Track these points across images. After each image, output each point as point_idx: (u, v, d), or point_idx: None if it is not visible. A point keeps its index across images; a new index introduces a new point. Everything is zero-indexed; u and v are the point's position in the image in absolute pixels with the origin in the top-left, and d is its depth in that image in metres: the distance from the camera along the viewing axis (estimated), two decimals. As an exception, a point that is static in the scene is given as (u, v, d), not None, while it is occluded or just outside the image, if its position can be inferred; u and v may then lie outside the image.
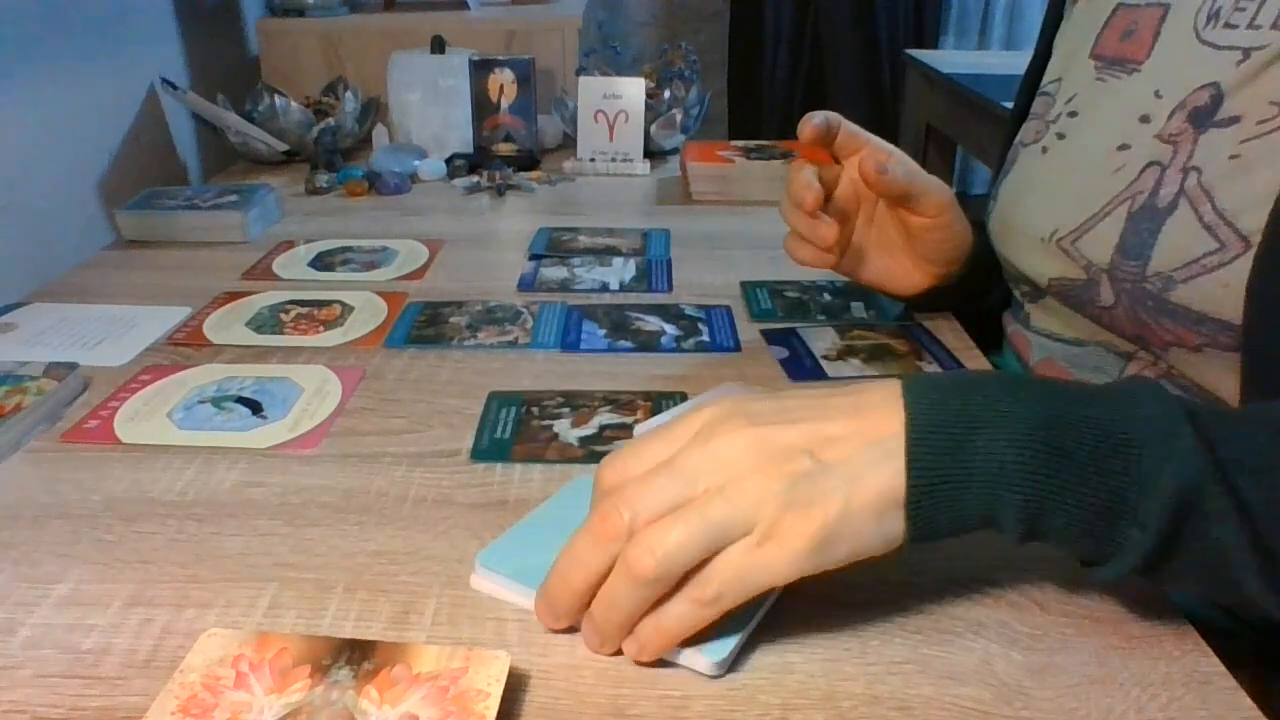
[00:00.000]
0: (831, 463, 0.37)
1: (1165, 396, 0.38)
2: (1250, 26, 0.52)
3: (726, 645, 0.39)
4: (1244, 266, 0.49)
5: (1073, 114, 0.64)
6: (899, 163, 0.63)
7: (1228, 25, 0.54)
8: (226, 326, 0.73)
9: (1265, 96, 0.50)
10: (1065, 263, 0.59)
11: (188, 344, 0.71)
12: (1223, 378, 0.53)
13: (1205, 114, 0.53)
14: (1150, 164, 0.55)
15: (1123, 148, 0.57)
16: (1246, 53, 0.52)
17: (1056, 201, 0.61)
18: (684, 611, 0.37)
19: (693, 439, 0.39)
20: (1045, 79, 0.70)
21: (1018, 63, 0.76)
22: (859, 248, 0.69)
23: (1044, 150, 0.65)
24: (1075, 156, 0.62)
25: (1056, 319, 0.65)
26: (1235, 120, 0.51)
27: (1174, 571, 0.37)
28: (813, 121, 0.61)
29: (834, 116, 0.62)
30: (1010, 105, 0.77)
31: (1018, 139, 0.71)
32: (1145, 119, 0.56)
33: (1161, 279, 0.53)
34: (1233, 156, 0.51)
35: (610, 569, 0.38)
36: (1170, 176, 0.53)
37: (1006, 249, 0.68)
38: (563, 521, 0.45)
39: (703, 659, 0.39)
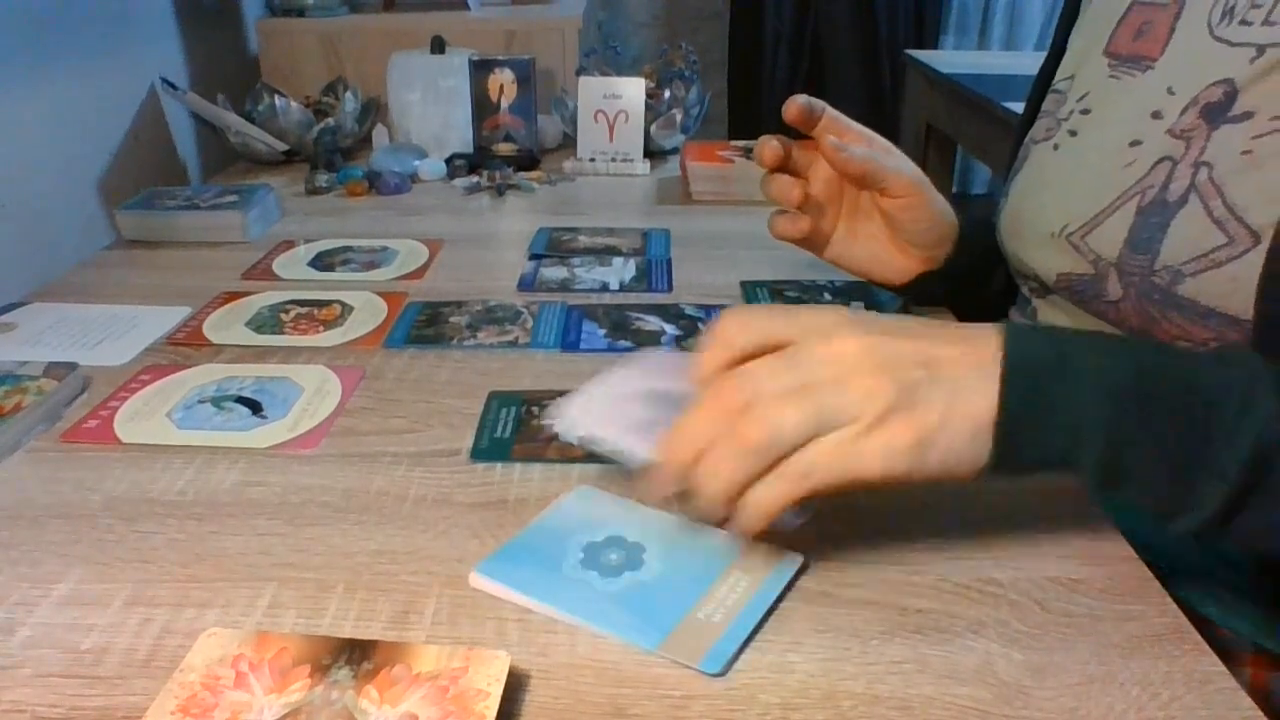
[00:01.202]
0: (939, 377, 0.39)
1: (1254, 361, 0.40)
2: (1265, 23, 0.52)
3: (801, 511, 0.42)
4: (1253, 261, 0.49)
5: (1085, 111, 0.64)
6: (863, 143, 0.64)
7: (1242, 22, 0.54)
8: (226, 326, 0.73)
9: (1279, 93, 0.50)
10: (1074, 258, 0.60)
11: (188, 344, 0.71)
12: None
13: (1218, 110, 0.53)
14: (1162, 159, 0.55)
15: (1134, 144, 0.57)
16: (1261, 49, 0.52)
17: (1067, 197, 0.61)
18: (779, 485, 0.39)
19: (815, 335, 0.41)
20: (1058, 76, 0.70)
21: (1018, 63, 0.76)
22: (844, 236, 0.69)
23: (1055, 147, 0.65)
24: (1087, 153, 0.62)
25: (1063, 315, 0.65)
26: (1248, 116, 0.51)
27: (1248, 527, 0.39)
28: (797, 101, 0.62)
29: (818, 102, 0.63)
30: (1010, 105, 0.76)
31: (1029, 136, 0.71)
32: (1158, 115, 0.57)
33: (1170, 272, 0.53)
34: (1244, 152, 0.51)
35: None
36: (1181, 171, 0.54)
37: (1015, 245, 0.68)
38: (562, 531, 0.45)
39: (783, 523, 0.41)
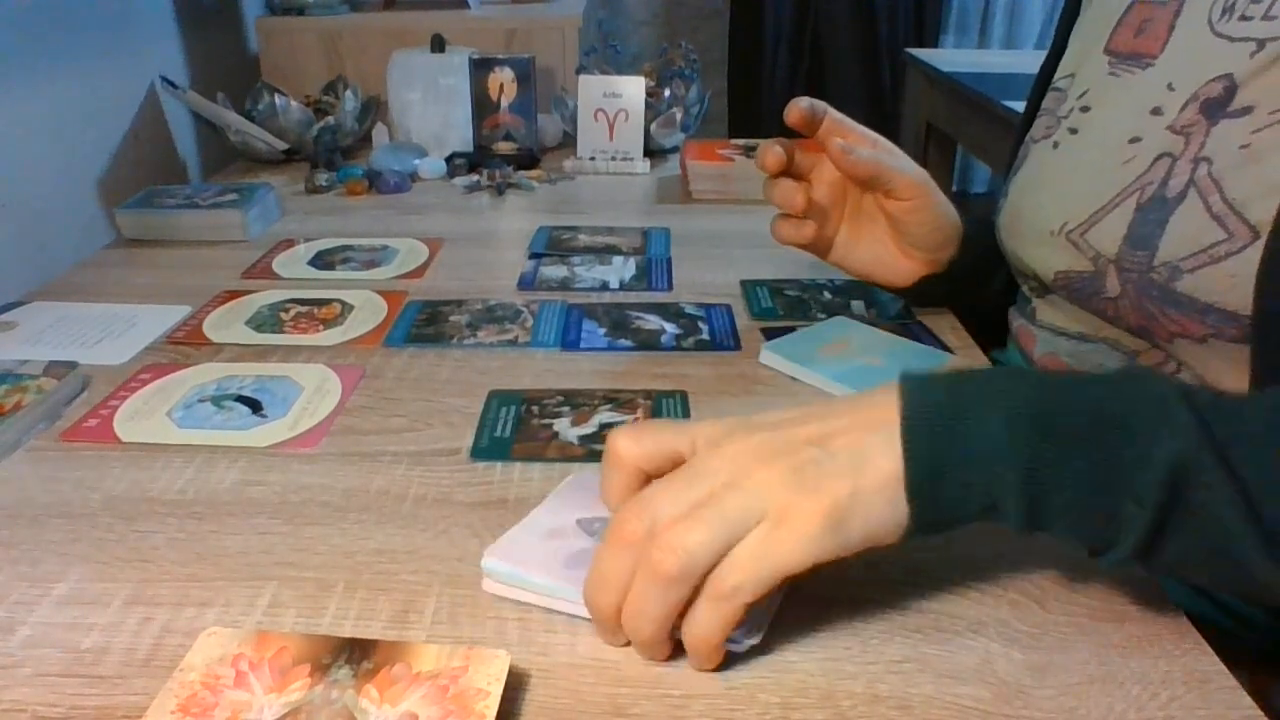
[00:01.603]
0: (837, 450, 0.38)
1: (1161, 378, 0.38)
2: (1265, 18, 0.52)
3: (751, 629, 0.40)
4: (1252, 257, 0.49)
5: (1085, 109, 0.64)
6: (868, 145, 0.64)
7: (1242, 17, 0.54)
8: (226, 325, 0.73)
9: (1279, 87, 0.50)
10: (1073, 255, 0.60)
11: (187, 343, 0.71)
12: (1228, 371, 0.53)
13: (1218, 105, 0.53)
14: (1161, 155, 0.55)
15: (1134, 140, 0.57)
16: (1261, 44, 0.52)
17: (1067, 195, 0.61)
18: (709, 611, 0.37)
19: (704, 445, 0.40)
20: (1058, 74, 0.70)
21: (1018, 62, 0.76)
22: (847, 239, 0.70)
23: (1055, 145, 0.65)
24: (1086, 150, 0.62)
25: (1062, 313, 0.65)
26: (1248, 111, 0.51)
27: (1177, 554, 0.37)
28: (799, 105, 0.62)
29: (820, 104, 0.63)
30: (1010, 104, 0.76)
31: (1029, 135, 0.71)
32: (1157, 111, 0.57)
33: (1168, 268, 0.53)
34: (1243, 146, 0.51)
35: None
36: (1181, 167, 0.54)
37: (1015, 244, 0.68)
38: (566, 516, 0.45)
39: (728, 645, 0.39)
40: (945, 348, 0.70)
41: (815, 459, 0.38)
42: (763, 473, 0.38)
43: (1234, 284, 0.50)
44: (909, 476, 0.37)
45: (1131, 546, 0.37)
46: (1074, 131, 0.64)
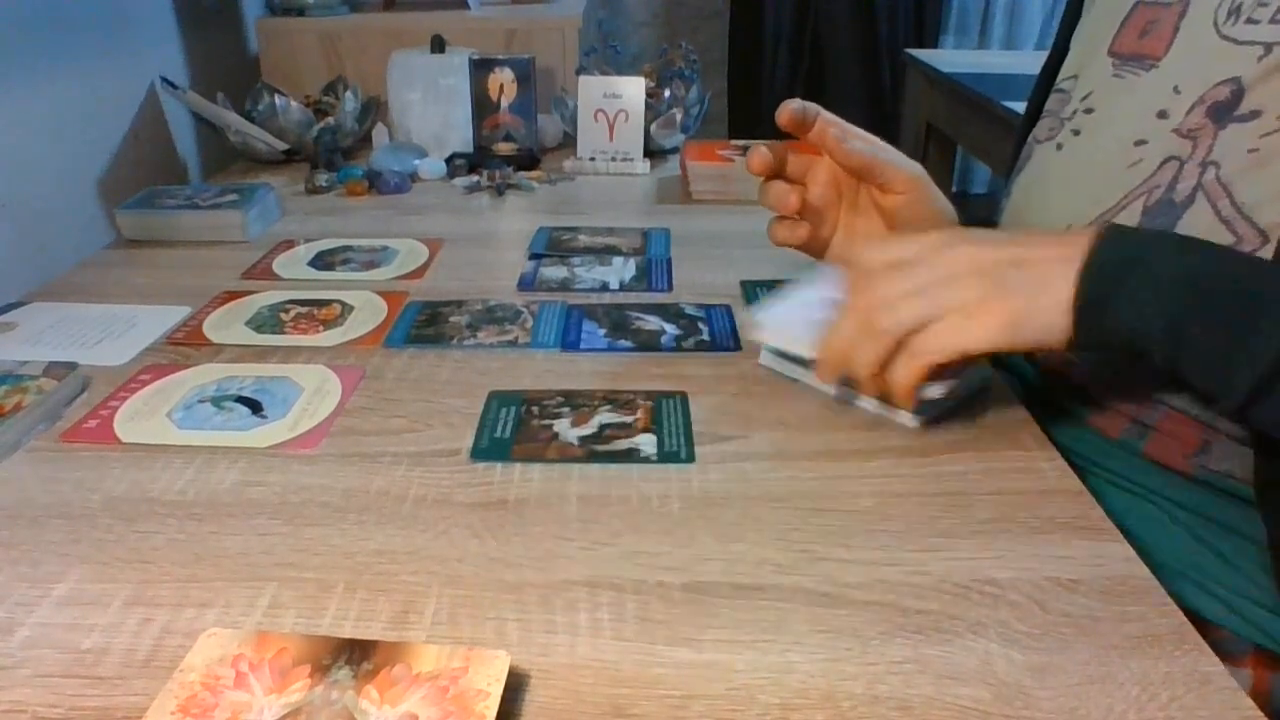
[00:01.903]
0: (1028, 273, 0.49)
1: None
2: (1272, 21, 0.52)
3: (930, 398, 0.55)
4: None
5: (1089, 110, 0.63)
6: (864, 141, 0.65)
7: (1249, 20, 0.53)
8: (226, 326, 0.73)
9: None
10: None
11: (187, 343, 0.71)
12: None
13: (1225, 109, 0.53)
14: (1168, 159, 0.55)
15: (1140, 143, 0.57)
16: (1269, 48, 0.51)
17: (1071, 197, 0.61)
18: (904, 363, 0.51)
19: (931, 249, 0.52)
20: (1061, 75, 0.70)
21: (1018, 63, 0.76)
22: (843, 239, 0.70)
23: (1059, 147, 0.65)
24: (1091, 152, 0.62)
25: None
26: (1256, 115, 0.51)
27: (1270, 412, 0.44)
28: (790, 106, 0.64)
29: (812, 106, 0.64)
30: (1010, 105, 0.76)
31: (1032, 136, 0.70)
32: (1163, 114, 0.56)
33: None
34: (1252, 150, 0.51)
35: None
36: (1188, 171, 0.53)
37: None
38: (817, 294, 0.59)
39: (906, 415, 0.58)
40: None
41: (1011, 275, 0.49)
42: (970, 277, 0.49)
43: None
44: (1077, 304, 0.47)
45: (1261, 372, 0.43)
46: (1077, 133, 0.64)
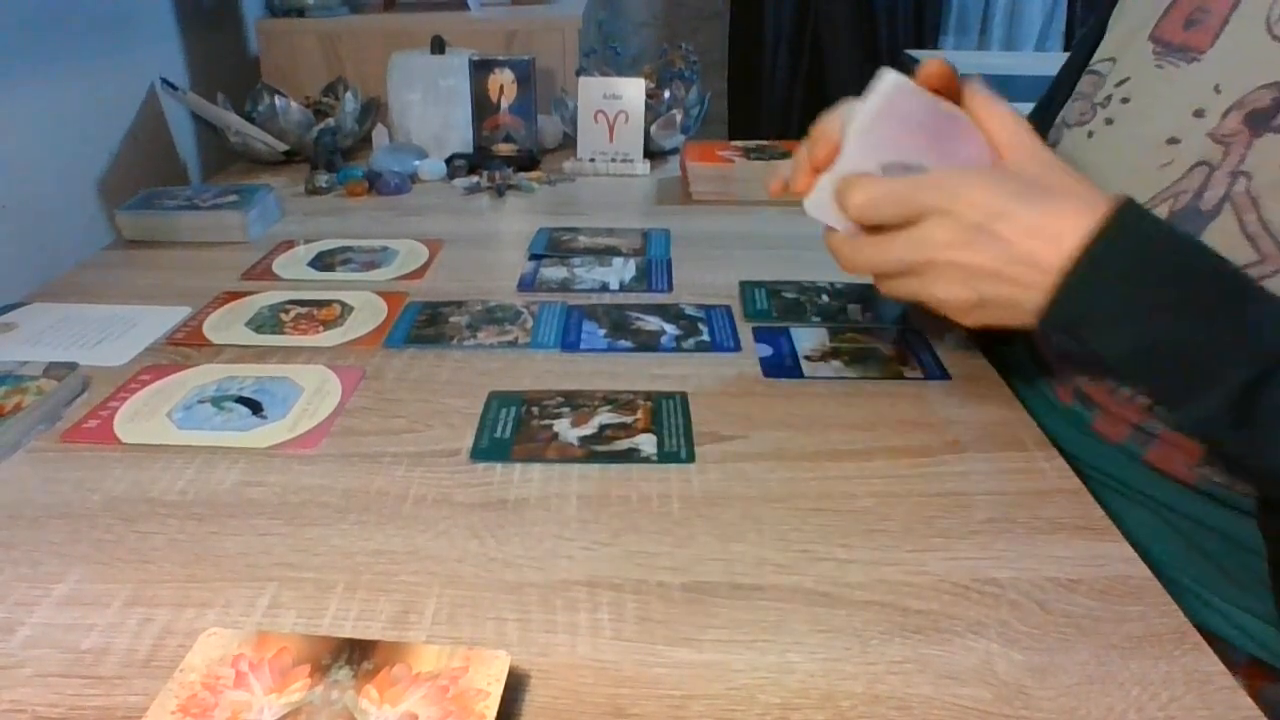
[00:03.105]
0: (1003, 289, 0.49)
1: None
2: None
3: None
4: None
5: (1125, 100, 0.61)
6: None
7: None
8: (226, 326, 0.73)
9: None
10: None
11: (187, 344, 0.71)
12: None
13: (1264, 117, 0.51)
14: (1199, 163, 0.53)
15: (1172, 141, 0.55)
16: None
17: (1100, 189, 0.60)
18: (901, 284, 0.53)
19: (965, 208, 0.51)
20: (1097, 56, 0.66)
21: (1018, 63, 0.75)
22: None
23: (1090, 134, 0.63)
24: (1122, 145, 0.60)
25: None
26: None
27: (1263, 422, 0.43)
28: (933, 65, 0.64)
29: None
30: (1010, 104, 0.74)
31: (1060, 118, 0.67)
32: (1200, 114, 0.54)
33: None
34: None
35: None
36: (1217, 179, 0.52)
37: None
38: (873, 160, 0.58)
39: None
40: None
41: (987, 288, 0.49)
42: (953, 271, 0.50)
43: None
44: (1043, 325, 0.49)
45: (1229, 395, 0.43)
46: (1110, 123, 0.61)
